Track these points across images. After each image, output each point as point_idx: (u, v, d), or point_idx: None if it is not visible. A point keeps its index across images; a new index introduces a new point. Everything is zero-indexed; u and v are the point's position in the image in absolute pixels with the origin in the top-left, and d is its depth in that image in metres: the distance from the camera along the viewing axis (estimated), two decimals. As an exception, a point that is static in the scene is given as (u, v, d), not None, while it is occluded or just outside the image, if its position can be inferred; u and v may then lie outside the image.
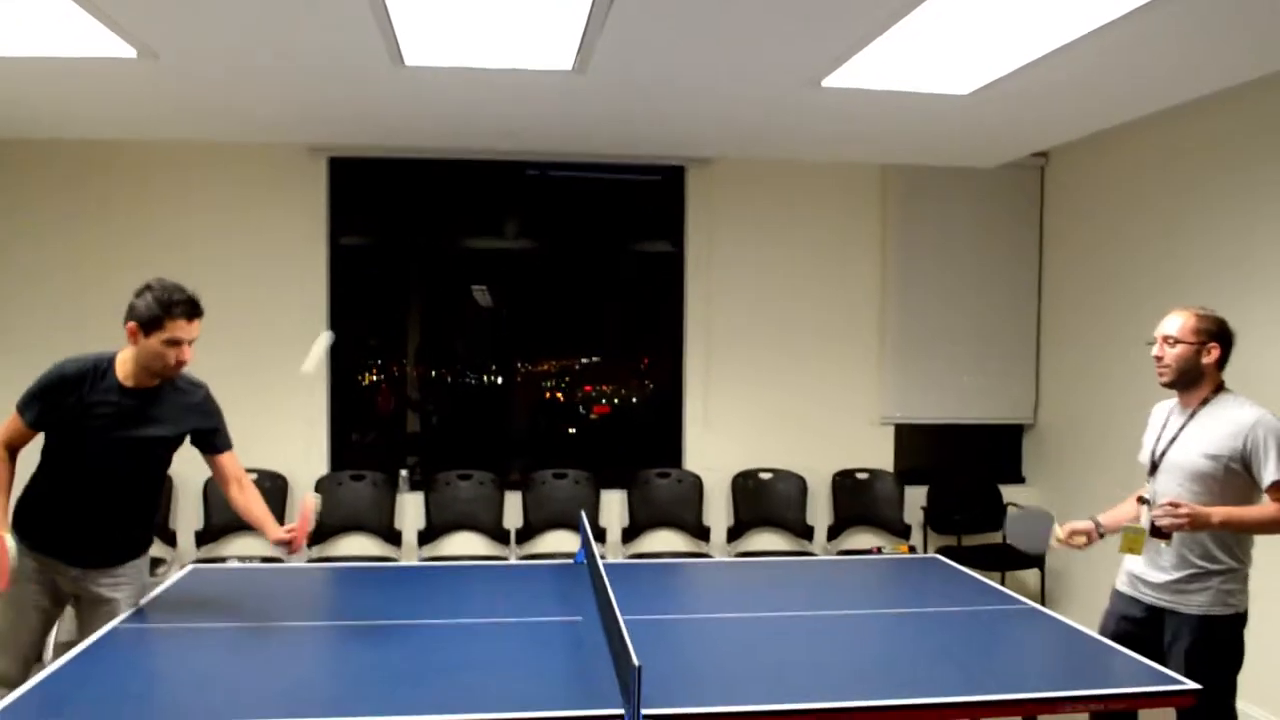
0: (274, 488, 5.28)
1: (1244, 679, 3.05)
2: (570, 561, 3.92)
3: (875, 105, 4.17)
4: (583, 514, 4.05)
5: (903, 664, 2.77)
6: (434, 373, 5.95)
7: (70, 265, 5.15)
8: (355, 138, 5.10)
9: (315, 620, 3.20)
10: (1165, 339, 3.02)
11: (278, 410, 5.33)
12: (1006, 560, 5.42)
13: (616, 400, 6.16)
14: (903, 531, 5.69)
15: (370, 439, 5.84)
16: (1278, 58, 3.60)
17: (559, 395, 6.15)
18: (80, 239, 5.16)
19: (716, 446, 5.70)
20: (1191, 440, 2.98)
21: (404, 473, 5.46)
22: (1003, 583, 5.38)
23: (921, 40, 3.27)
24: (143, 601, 3.22)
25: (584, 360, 6.15)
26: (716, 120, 4.56)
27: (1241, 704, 4.04)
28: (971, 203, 5.84)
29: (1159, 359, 3.02)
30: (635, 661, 2.19)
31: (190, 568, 3.71)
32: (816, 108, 4.26)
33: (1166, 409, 3.16)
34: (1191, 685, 2.59)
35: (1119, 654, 2.84)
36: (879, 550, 5.56)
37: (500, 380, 5.99)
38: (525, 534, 5.45)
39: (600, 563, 3.16)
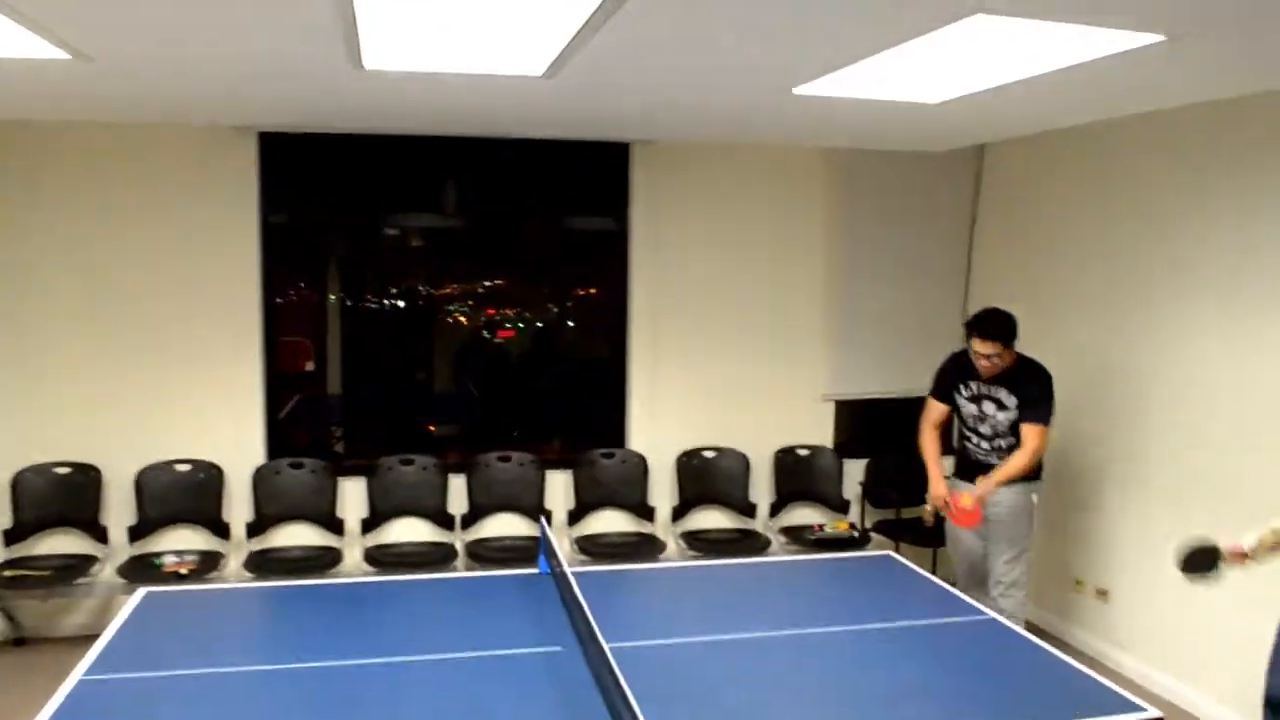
0: (208, 479, 5.11)
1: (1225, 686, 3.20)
2: (534, 571, 3.89)
3: (843, 110, 4.12)
4: (543, 521, 4.01)
5: (885, 696, 2.82)
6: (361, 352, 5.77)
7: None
8: (294, 123, 4.84)
9: (267, 664, 3.02)
10: None
11: (210, 397, 5.13)
12: (938, 535, 5.56)
13: (560, 378, 6.10)
14: (842, 506, 5.79)
15: (295, 404, 5.64)
16: (1211, 89, 3.82)
17: (501, 371, 6.06)
18: (2, 222, 4.83)
19: (661, 426, 5.70)
20: None
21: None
22: (934, 559, 5.55)
23: (901, 59, 3.21)
24: (106, 635, 3.10)
25: (517, 326, 6.05)
26: (671, 114, 4.44)
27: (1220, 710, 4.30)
28: (910, 185, 5.87)
29: None
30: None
31: (144, 593, 3.55)
32: (784, 110, 4.19)
33: None
34: (1157, 713, 2.70)
35: (1089, 679, 2.94)
36: (820, 528, 5.66)
37: (430, 350, 5.88)
38: (471, 518, 5.39)
39: (576, 591, 3.12)
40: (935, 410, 4.75)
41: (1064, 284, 5.14)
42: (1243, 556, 3.13)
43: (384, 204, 5.51)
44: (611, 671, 2.50)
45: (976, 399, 4.55)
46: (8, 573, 4.68)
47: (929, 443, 4.75)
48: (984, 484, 4.43)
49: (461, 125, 4.87)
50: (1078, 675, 2.97)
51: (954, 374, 4.65)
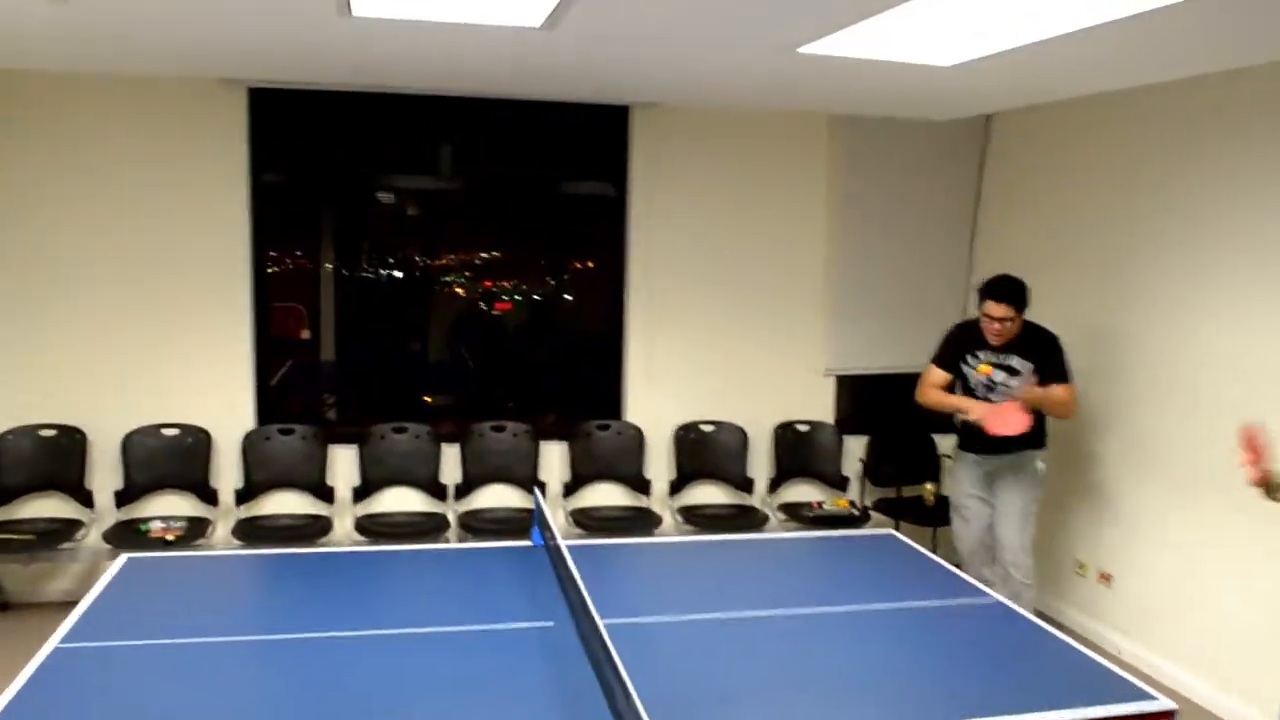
0: (196, 443, 5.00)
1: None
2: (528, 544, 3.79)
3: (850, 72, 3.99)
4: (537, 493, 3.91)
5: (887, 681, 2.73)
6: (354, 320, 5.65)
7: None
8: (281, 75, 4.70)
9: (251, 634, 2.93)
10: None
11: (199, 359, 5.03)
12: (941, 515, 5.47)
13: (557, 350, 5.99)
14: (841, 483, 5.70)
15: (288, 369, 5.53)
16: (1228, 58, 3.70)
17: (497, 342, 5.96)
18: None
19: (659, 398, 5.59)
20: None
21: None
22: (934, 539, 5.47)
23: (913, 18, 3.09)
24: (85, 602, 3.02)
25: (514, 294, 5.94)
26: (674, 72, 4.31)
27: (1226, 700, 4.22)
28: (915, 154, 5.73)
29: None
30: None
31: (125, 559, 3.46)
32: (788, 71, 4.05)
33: None
34: (1171, 705, 2.61)
35: (1098, 666, 2.86)
36: (819, 505, 5.57)
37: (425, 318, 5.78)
38: (464, 489, 5.30)
39: (571, 566, 3.02)
40: (936, 376, 4.66)
41: (1070, 259, 5.02)
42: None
43: (377, 165, 5.38)
44: (604, 647, 2.41)
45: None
46: (-10, 536, 4.59)
47: (935, 392, 4.65)
48: (1030, 390, 4.36)
49: (457, 82, 4.72)
50: (1086, 662, 2.87)
51: (962, 342, 4.58)
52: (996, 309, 4.32)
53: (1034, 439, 4.51)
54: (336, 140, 5.24)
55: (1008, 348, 4.43)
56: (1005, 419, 4.34)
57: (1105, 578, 4.86)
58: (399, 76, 4.58)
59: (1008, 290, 4.32)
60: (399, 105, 5.11)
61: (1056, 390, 4.36)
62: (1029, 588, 4.54)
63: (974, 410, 4.46)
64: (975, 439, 4.59)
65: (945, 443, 5.82)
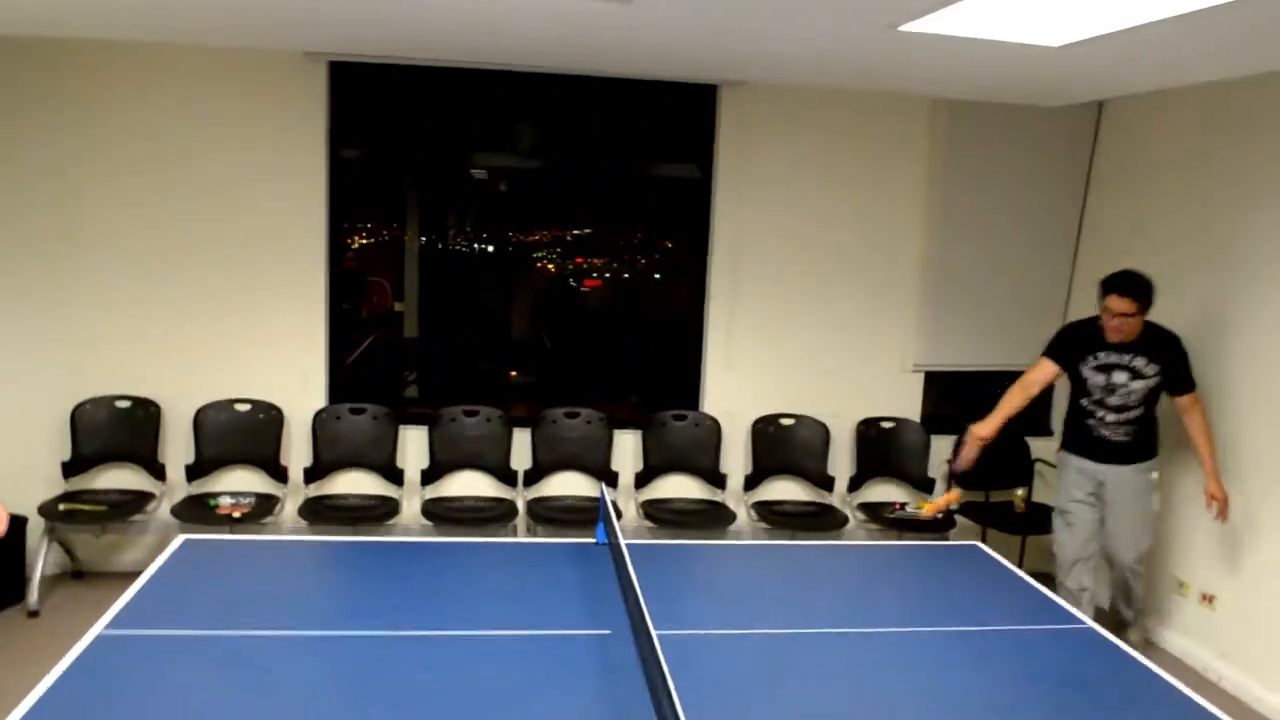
0: (267, 420, 4.97)
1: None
2: (591, 541, 3.65)
3: (953, 51, 3.72)
4: (603, 489, 3.76)
5: (968, 712, 2.51)
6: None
7: (57, 173, 4.69)
8: (362, 49, 4.60)
9: (297, 629, 2.82)
10: None
11: (273, 335, 4.99)
12: (1032, 523, 5.20)
13: (638, 333, 5.83)
14: (927, 485, 5.44)
15: (370, 344, 5.48)
16: None
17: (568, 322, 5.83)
18: (65, 147, 4.68)
19: (737, 388, 5.40)
20: None
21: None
22: (1023, 549, 5.19)
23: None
24: (135, 586, 2.96)
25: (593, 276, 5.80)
26: (764, 49, 4.08)
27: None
28: (1021, 141, 5.40)
29: None
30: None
31: (181, 540, 3.41)
32: (887, 50, 3.81)
33: None
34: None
35: (1196, 706, 2.60)
36: (902, 507, 5.33)
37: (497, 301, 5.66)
38: (534, 475, 5.18)
39: (630, 570, 2.86)
40: (1044, 371, 4.43)
41: (1184, 257, 4.67)
42: None
43: (458, 141, 5.26)
44: (658, 665, 2.25)
45: (1106, 369, 4.27)
46: (64, 506, 4.61)
47: (1016, 394, 4.43)
48: (1215, 487, 4.24)
49: (539, 57, 4.57)
50: (1184, 699, 2.62)
51: (1081, 341, 4.36)
52: (1119, 303, 4.11)
53: (1147, 449, 4.31)
54: (416, 115, 5.14)
55: (1130, 348, 4.21)
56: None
57: (1208, 599, 4.54)
58: (479, 54, 4.45)
59: (1133, 285, 4.11)
60: (479, 81, 4.97)
61: (1206, 441, 4.24)
62: (1142, 614, 4.40)
63: (980, 431, 4.39)
64: (1084, 441, 4.37)
65: (1040, 447, 5.55)
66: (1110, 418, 4.31)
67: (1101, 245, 5.34)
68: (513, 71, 4.90)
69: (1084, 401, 4.40)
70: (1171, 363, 4.22)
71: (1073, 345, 4.39)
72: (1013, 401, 4.42)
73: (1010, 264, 5.52)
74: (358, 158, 5.07)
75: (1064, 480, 4.58)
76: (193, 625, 2.76)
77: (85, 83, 4.65)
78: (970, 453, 4.38)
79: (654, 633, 2.38)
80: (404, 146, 5.24)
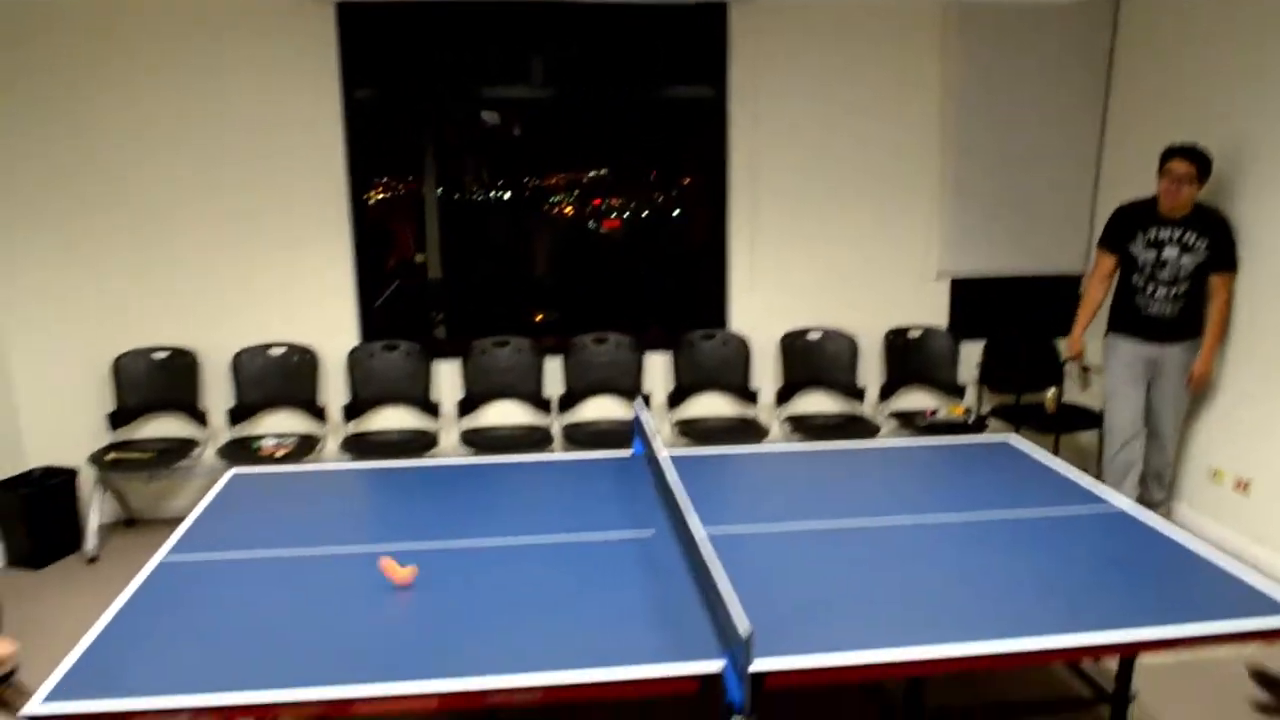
0: (302, 362, 5.06)
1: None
2: (628, 454, 3.72)
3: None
4: (639, 402, 3.82)
5: (1003, 594, 2.57)
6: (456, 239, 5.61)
7: (82, 132, 4.74)
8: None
9: (357, 544, 2.95)
10: None
11: (301, 278, 5.04)
12: (1063, 423, 5.23)
13: (661, 262, 5.84)
14: (957, 391, 5.48)
15: (394, 290, 5.54)
16: None
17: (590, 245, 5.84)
18: (86, 105, 4.73)
19: (763, 306, 5.42)
20: None
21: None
22: (1056, 446, 5.22)
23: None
24: (190, 517, 3.07)
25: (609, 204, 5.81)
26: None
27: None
28: (1037, 40, 5.31)
29: None
30: (743, 629, 1.99)
31: (231, 474, 3.51)
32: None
33: None
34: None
35: (1234, 579, 2.65)
36: (933, 413, 5.37)
37: (525, 228, 5.69)
38: (568, 401, 5.25)
39: (671, 476, 2.93)
40: (1105, 263, 4.67)
41: (1210, 145, 4.62)
42: None
43: (469, 75, 5.25)
44: (700, 556, 2.33)
45: (1157, 244, 4.40)
46: (112, 455, 4.73)
47: (1095, 292, 4.74)
48: (1202, 364, 4.46)
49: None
50: (1221, 574, 2.67)
51: (1132, 219, 4.51)
52: (1180, 165, 4.26)
53: (1195, 325, 4.48)
54: (426, 53, 5.13)
55: (1181, 223, 4.35)
56: None
57: (1243, 485, 4.56)
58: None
59: (1195, 151, 4.26)
60: (488, 13, 4.96)
61: (1218, 325, 4.42)
62: (1163, 504, 4.53)
63: (1072, 341, 4.85)
64: (1133, 321, 4.55)
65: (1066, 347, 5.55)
66: (1160, 292, 4.43)
67: (1125, 147, 5.28)
68: (520, 1, 4.88)
69: (1135, 278, 4.52)
70: (1219, 240, 4.32)
71: (1124, 225, 4.53)
72: (1093, 300, 4.73)
73: (1033, 168, 5.47)
74: (371, 98, 5.06)
75: (1113, 361, 4.69)
76: (250, 547, 2.86)
77: (92, 39, 4.66)
78: (1070, 357, 4.87)
79: (697, 526, 2.45)
80: (417, 85, 5.24)
